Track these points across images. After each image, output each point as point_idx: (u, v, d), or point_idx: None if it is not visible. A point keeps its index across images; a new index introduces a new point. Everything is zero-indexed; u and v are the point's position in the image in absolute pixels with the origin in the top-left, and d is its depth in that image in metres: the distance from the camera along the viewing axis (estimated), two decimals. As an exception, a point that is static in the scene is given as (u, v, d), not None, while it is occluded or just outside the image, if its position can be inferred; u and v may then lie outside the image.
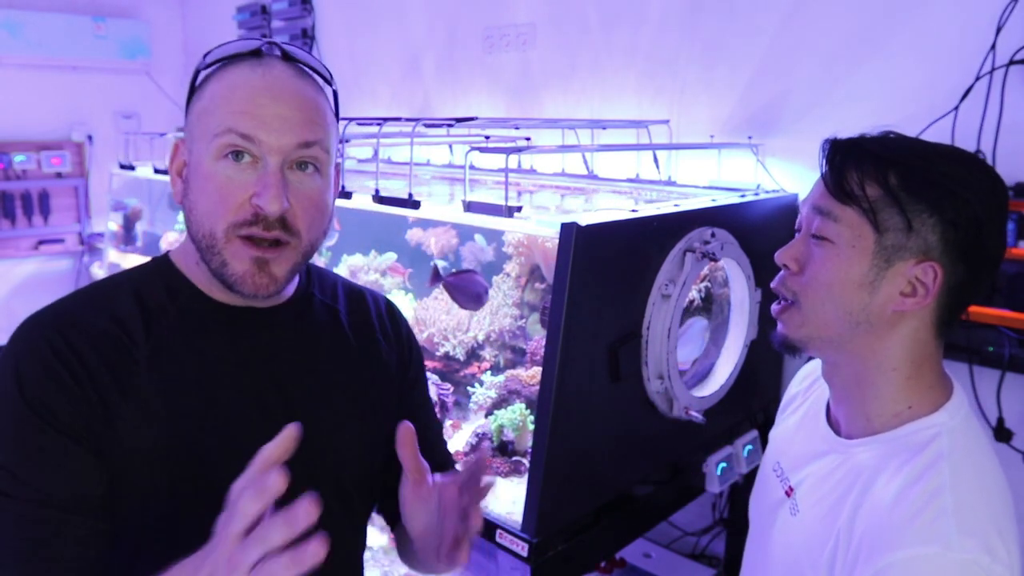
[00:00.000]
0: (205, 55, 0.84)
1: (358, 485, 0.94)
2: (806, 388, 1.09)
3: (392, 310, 1.05)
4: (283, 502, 0.77)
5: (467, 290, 1.68)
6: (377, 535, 2.12)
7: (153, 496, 0.79)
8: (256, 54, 0.83)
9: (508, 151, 1.49)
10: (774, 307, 0.94)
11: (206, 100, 0.81)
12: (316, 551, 0.58)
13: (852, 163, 0.84)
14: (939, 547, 0.75)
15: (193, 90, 0.84)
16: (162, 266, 0.89)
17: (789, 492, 0.97)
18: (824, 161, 0.88)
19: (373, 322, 1.00)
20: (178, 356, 0.83)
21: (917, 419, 0.86)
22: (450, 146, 2.29)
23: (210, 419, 0.82)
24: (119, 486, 0.78)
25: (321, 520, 0.83)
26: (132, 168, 2.47)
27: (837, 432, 0.95)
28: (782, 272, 0.93)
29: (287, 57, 0.85)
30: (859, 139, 0.87)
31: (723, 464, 1.59)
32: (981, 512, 0.78)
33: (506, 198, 1.32)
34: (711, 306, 1.63)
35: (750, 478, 1.70)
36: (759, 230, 1.60)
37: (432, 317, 1.92)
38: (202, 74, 0.84)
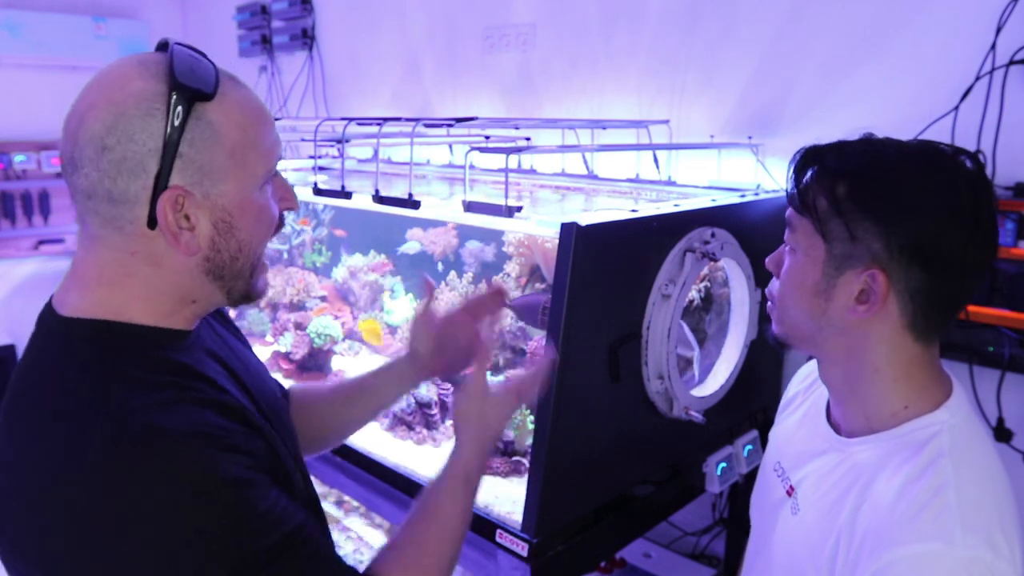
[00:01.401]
0: (182, 87, 0.72)
1: None
2: (806, 388, 1.10)
3: None
4: (284, 477, 0.86)
5: (530, 311, 1.68)
6: (378, 536, 2.12)
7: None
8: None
9: (508, 151, 1.49)
10: (767, 305, 1.00)
11: (237, 138, 0.76)
12: None
13: (811, 175, 0.87)
14: (942, 544, 0.75)
15: (181, 131, 0.72)
16: (108, 333, 0.77)
17: (790, 491, 0.98)
18: (789, 173, 0.91)
19: (223, 311, 1.03)
20: (222, 385, 0.82)
21: (916, 418, 0.86)
22: (450, 146, 2.29)
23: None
24: None
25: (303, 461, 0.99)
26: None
27: (837, 431, 0.95)
28: (773, 278, 0.98)
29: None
30: (821, 150, 0.89)
31: (723, 464, 1.59)
32: (984, 509, 0.78)
33: (506, 198, 1.32)
34: (711, 306, 1.63)
35: (750, 478, 1.70)
36: (759, 230, 1.60)
37: (432, 317, 1.92)
38: (199, 108, 0.74)
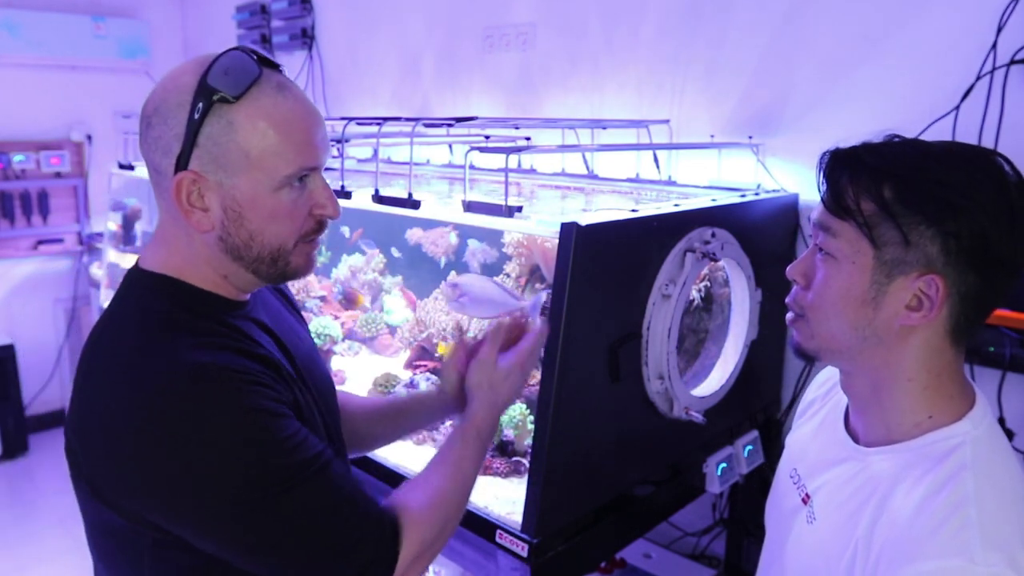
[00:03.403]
0: (206, 86, 0.82)
1: None
2: (824, 394, 1.07)
3: None
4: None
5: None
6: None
7: None
8: (269, 67, 0.87)
9: (508, 151, 1.49)
10: (787, 316, 0.94)
11: (255, 139, 0.83)
12: None
13: (847, 177, 0.83)
14: (963, 560, 0.73)
15: (199, 124, 0.82)
16: (169, 287, 0.89)
17: (806, 499, 0.96)
18: (821, 176, 0.86)
19: (284, 290, 1.15)
20: (265, 347, 0.92)
21: (938, 428, 0.84)
22: (450, 146, 2.29)
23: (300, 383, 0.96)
24: None
25: (342, 440, 1.10)
26: (131, 168, 2.47)
27: (855, 440, 0.93)
28: (795, 287, 0.92)
29: (275, 65, 0.88)
30: (856, 150, 0.85)
31: (723, 464, 1.59)
32: (1006, 524, 0.76)
33: (506, 198, 1.32)
34: (711, 306, 1.63)
35: (750, 478, 1.70)
36: (759, 230, 1.60)
37: (431, 317, 1.92)
38: (223, 108, 0.82)
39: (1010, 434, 1.49)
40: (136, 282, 0.91)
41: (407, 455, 1.58)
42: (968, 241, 0.78)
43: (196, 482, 0.79)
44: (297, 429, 0.85)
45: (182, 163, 0.83)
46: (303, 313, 2.04)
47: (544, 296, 1.69)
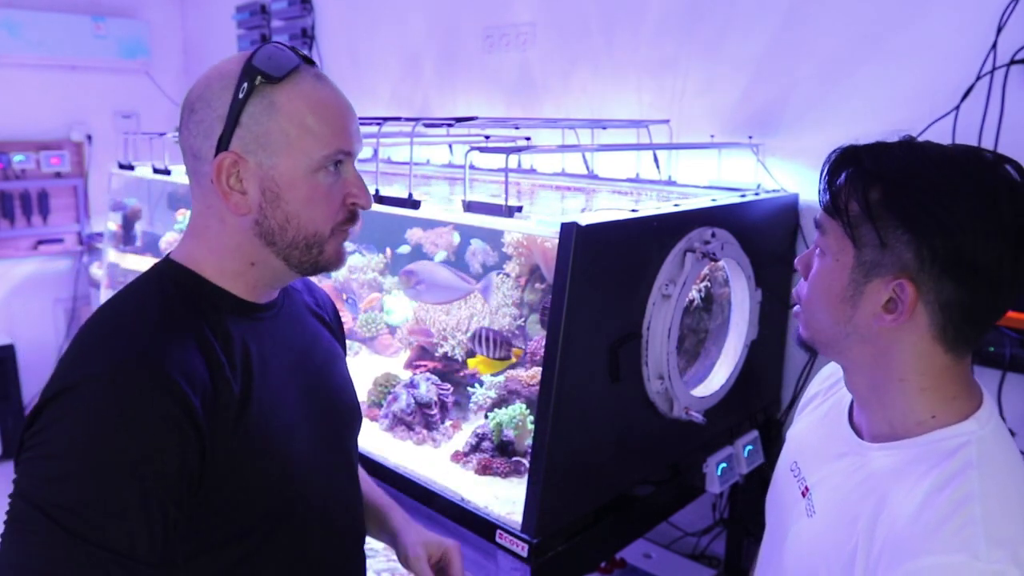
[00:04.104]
0: (251, 67, 0.85)
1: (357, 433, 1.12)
2: (827, 388, 1.07)
3: (324, 293, 1.17)
4: (327, 461, 0.99)
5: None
6: (377, 535, 2.12)
7: (251, 508, 0.87)
8: (308, 63, 0.90)
9: (508, 151, 1.49)
10: (793, 308, 0.98)
11: (295, 119, 0.85)
12: None
13: (844, 177, 0.85)
14: (966, 556, 0.72)
15: (243, 104, 0.84)
16: (181, 277, 0.90)
17: (805, 492, 0.96)
18: (823, 173, 0.88)
19: (323, 302, 1.14)
20: (246, 359, 0.89)
21: (943, 427, 0.84)
22: (450, 146, 2.29)
23: (284, 412, 0.92)
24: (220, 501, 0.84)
25: (350, 470, 1.07)
26: (131, 168, 2.47)
27: (860, 435, 0.93)
28: (800, 279, 0.96)
29: (312, 61, 0.92)
30: (858, 151, 0.86)
31: (723, 464, 1.59)
32: (1011, 522, 0.76)
33: (506, 198, 1.32)
34: (711, 306, 1.63)
35: (750, 478, 1.70)
36: (759, 230, 1.60)
37: (432, 317, 1.92)
38: (266, 89, 0.85)
39: (1010, 434, 1.49)
40: (154, 268, 0.92)
41: (407, 455, 1.58)
42: (943, 252, 0.78)
43: (30, 463, 0.74)
44: (142, 513, 0.75)
45: (223, 144, 0.85)
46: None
47: (494, 277, 1.72)
